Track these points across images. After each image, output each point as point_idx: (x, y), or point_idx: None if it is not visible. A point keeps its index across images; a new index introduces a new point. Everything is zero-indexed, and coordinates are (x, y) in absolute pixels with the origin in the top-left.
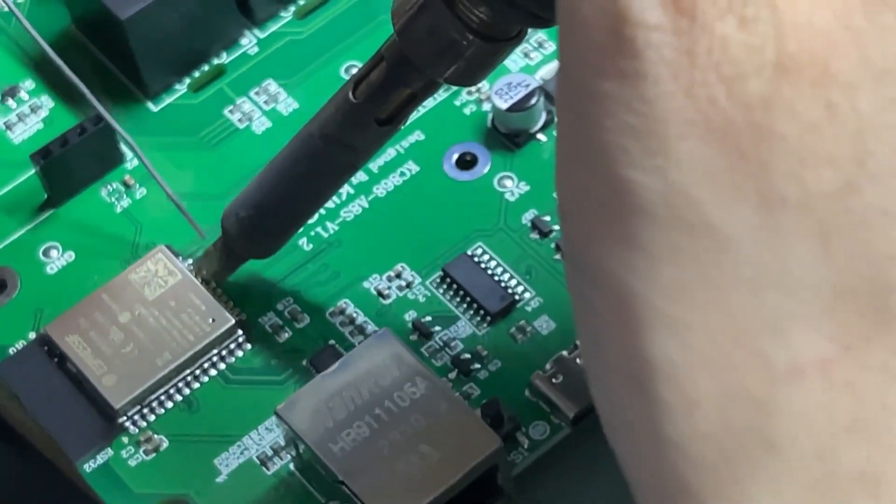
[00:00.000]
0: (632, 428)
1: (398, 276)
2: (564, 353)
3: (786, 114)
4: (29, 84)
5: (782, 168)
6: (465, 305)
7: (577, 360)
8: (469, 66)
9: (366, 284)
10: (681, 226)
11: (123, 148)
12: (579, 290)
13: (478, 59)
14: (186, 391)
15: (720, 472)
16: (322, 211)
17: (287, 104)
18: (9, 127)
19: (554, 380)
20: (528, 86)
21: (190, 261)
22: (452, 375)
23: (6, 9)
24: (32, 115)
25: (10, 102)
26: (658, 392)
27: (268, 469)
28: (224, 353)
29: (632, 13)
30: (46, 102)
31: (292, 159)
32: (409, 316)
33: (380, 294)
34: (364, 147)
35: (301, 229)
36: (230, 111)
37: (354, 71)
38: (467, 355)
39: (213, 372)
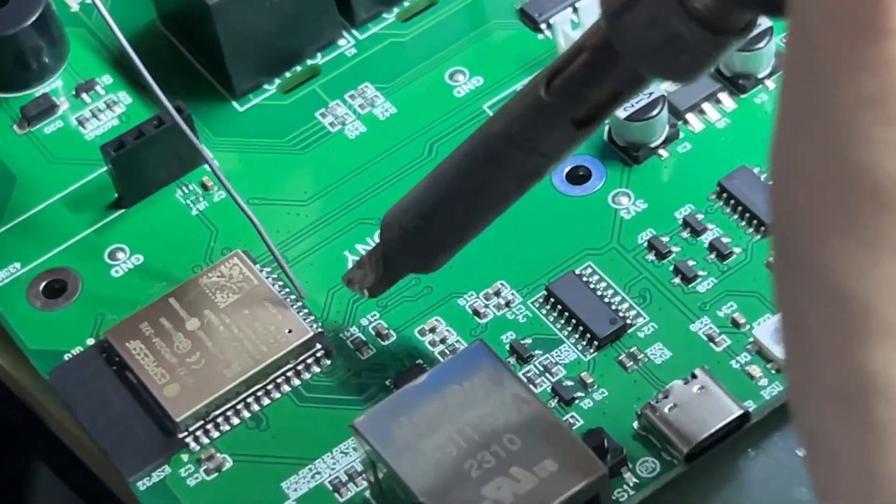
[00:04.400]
0: (839, 458)
1: (497, 293)
2: (680, 381)
3: None
4: (107, 79)
5: None
6: (569, 328)
7: (694, 390)
8: (690, 62)
9: (461, 302)
10: None
11: (204, 146)
12: (787, 289)
13: (700, 54)
14: (255, 407)
15: None
16: None
17: (384, 108)
18: (81, 122)
19: (667, 410)
20: (650, 94)
21: (266, 270)
22: (553, 404)
23: (88, 0)
24: (108, 111)
25: (85, 97)
26: (874, 416)
27: (340, 496)
28: (300, 367)
29: None
30: (124, 98)
31: (469, 162)
32: (507, 337)
33: (475, 313)
34: (554, 152)
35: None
36: (322, 114)
37: (460, 77)
38: (570, 382)
39: (286, 388)
